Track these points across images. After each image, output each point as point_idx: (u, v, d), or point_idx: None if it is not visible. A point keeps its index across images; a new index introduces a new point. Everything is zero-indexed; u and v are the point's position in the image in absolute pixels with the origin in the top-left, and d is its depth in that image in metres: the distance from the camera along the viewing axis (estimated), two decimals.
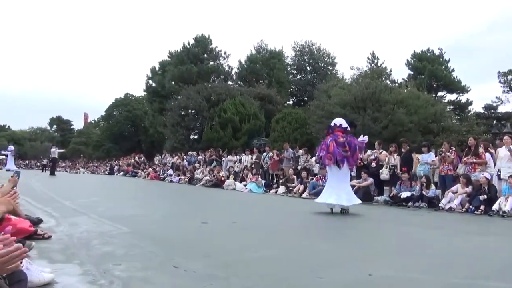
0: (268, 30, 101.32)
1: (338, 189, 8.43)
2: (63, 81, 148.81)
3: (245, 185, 15.37)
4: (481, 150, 10.34)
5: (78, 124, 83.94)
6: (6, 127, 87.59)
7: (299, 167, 14.99)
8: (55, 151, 25.33)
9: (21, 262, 2.97)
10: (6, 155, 29.10)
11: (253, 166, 17.20)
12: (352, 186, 11.56)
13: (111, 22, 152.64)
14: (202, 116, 31.92)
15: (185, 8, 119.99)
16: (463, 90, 34.84)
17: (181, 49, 41.05)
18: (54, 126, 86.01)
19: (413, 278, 3.63)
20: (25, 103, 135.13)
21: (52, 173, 24.63)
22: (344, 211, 8.48)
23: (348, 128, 8.74)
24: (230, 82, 40.44)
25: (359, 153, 8.93)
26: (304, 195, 12.70)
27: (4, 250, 1.57)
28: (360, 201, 8.83)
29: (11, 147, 29.80)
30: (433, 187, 10.48)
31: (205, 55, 41.34)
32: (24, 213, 5.82)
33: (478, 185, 9.48)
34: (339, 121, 8.84)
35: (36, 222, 5.74)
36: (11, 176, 5.69)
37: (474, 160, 10.17)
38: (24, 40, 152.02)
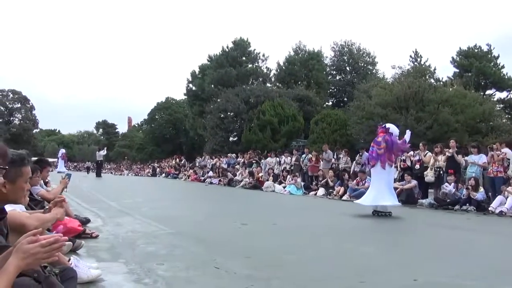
0: (307, 31, 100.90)
1: (374, 190, 8.38)
2: (108, 87, 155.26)
3: (284, 187, 15.33)
4: None
5: (122, 128, 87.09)
6: (57, 131, 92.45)
7: (342, 167, 14.80)
8: (101, 155, 26.52)
9: (69, 260, 3.12)
10: (58, 158, 30.72)
11: (292, 168, 17.13)
12: (395, 189, 11.30)
13: (153, 30, 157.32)
14: (241, 118, 32.18)
15: (224, 13, 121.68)
16: None
17: (220, 52, 41.62)
18: (100, 130, 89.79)
19: (462, 284, 3.47)
20: (73, 108, 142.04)
21: (98, 175, 25.74)
22: (384, 214, 8.26)
23: (393, 132, 8.50)
24: (268, 84, 40.51)
25: (397, 152, 8.62)
26: (344, 197, 12.48)
27: (44, 241, 1.66)
28: (390, 203, 8.33)
29: (62, 151, 31.50)
30: (481, 189, 9.97)
31: (244, 58, 41.67)
32: (73, 213, 6.10)
33: None
34: (388, 125, 8.85)
35: (84, 221, 5.99)
36: (62, 178, 5.99)
37: None
38: (72, 49, 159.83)
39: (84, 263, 3.38)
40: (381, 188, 8.31)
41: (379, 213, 8.29)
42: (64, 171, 22.69)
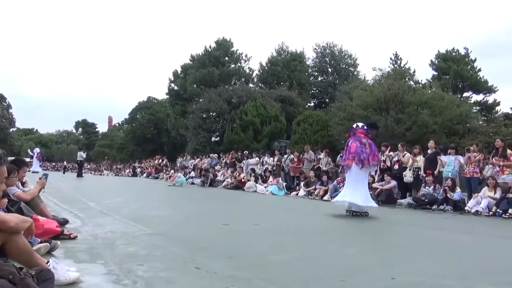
0: (289, 32, 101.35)
1: (354, 189, 8.24)
2: (88, 85, 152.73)
3: (266, 187, 15.37)
4: (509, 152, 10.04)
5: (102, 127, 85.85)
6: (34, 130, 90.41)
7: (323, 169, 14.91)
8: (82, 155, 26.28)
9: (47, 262, 3.06)
10: (32, 157, 30.04)
11: (274, 168, 17.20)
12: (375, 189, 11.51)
13: (134, 27, 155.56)
14: (223, 118, 32.08)
15: (207, 12, 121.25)
16: (490, 90, 33.89)
17: (203, 52, 41.47)
18: (80, 129, 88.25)
19: (439, 283, 3.54)
20: (52, 107, 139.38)
21: (79, 175, 25.39)
22: (360, 214, 8.21)
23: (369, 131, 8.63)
24: (251, 85, 40.54)
25: (376, 158, 8.62)
26: (325, 198, 12.60)
27: None
28: (376, 206, 8.53)
29: (37, 150, 30.86)
30: (458, 189, 10.23)
31: (227, 58, 41.62)
32: (51, 213, 5.98)
33: (506, 188, 9.21)
34: (360, 124, 8.82)
35: (63, 222, 5.88)
36: (39, 178, 5.87)
37: (501, 162, 9.89)
38: (50, 45, 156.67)
39: (63, 265, 3.32)
40: (365, 190, 8.37)
41: (354, 213, 8.22)
42: (39, 171, 22.27)
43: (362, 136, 8.38)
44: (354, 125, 8.83)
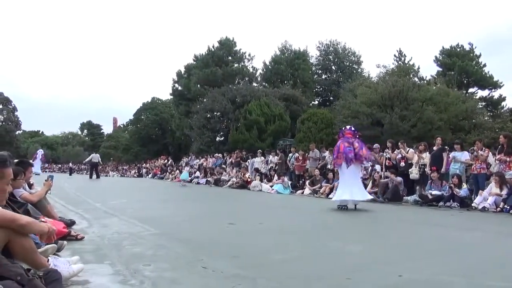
0: (292, 31, 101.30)
1: (351, 186, 8.96)
2: (92, 88, 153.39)
3: (271, 186, 15.36)
4: None
5: (107, 129, 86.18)
6: (40, 132, 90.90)
7: (328, 167, 14.87)
8: (97, 157, 26.56)
9: (47, 260, 3.08)
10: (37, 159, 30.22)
11: (277, 167, 17.20)
12: (380, 186, 11.61)
13: (138, 28, 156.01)
14: (227, 118, 32.10)
15: (210, 12, 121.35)
16: (495, 85, 33.62)
17: (206, 52, 41.49)
18: (85, 131, 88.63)
19: (445, 280, 3.53)
20: (57, 109, 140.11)
21: (97, 176, 25.73)
22: (346, 207, 9.02)
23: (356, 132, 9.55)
24: (254, 84, 40.50)
25: (365, 151, 9.31)
26: (330, 196, 12.57)
27: None
28: (371, 197, 9.83)
29: (41, 151, 31.07)
30: (464, 186, 10.17)
31: (230, 58, 41.63)
32: (58, 215, 6.02)
33: None
34: (348, 126, 9.94)
35: (69, 224, 5.92)
36: (45, 180, 5.91)
37: (508, 158, 9.81)
38: (55, 48, 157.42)
39: (64, 259, 3.33)
40: (360, 184, 9.40)
41: (344, 207, 9.01)
42: (40, 173, 22.39)
43: (349, 137, 9.20)
44: (343, 128, 9.87)
